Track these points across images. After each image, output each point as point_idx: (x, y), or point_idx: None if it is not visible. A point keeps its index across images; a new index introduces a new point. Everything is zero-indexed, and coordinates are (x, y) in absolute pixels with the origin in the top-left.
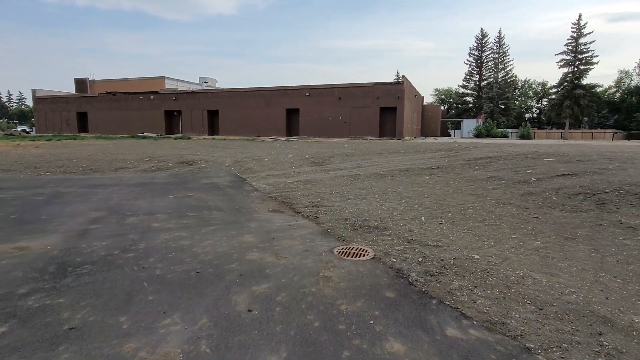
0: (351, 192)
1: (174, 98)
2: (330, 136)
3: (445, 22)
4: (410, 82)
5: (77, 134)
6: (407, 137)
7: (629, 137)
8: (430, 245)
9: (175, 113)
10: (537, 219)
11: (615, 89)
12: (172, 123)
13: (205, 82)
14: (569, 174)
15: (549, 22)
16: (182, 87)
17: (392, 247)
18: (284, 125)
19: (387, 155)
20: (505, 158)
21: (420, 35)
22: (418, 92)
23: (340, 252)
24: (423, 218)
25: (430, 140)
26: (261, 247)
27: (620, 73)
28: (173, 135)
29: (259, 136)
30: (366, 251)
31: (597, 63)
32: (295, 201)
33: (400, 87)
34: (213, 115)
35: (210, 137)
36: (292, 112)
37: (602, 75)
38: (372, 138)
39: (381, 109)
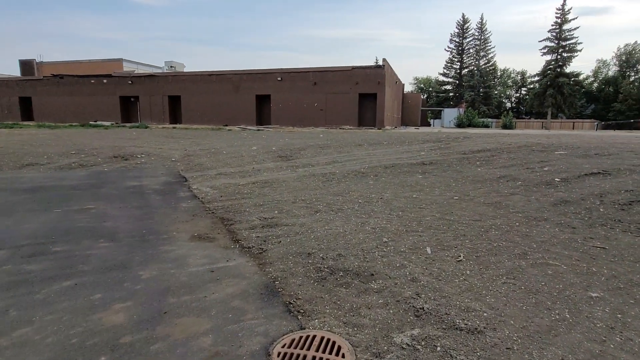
0: (322, 200)
1: (129, 82)
2: (305, 125)
3: (421, 13)
4: (391, 67)
5: (19, 122)
6: (388, 127)
7: (615, 128)
8: (461, 329)
9: (132, 99)
10: (604, 250)
11: (592, 79)
12: (129, 110)
13: (171, 66)
14: (599, 173)
15: (518, 16)
16: (141, 71)
17: (387, 332)
18: (253, 113)
19: (368, 148)
20: (508, 151)
21: (398, 25)
22: (399, 79)
23: (285, 355)
24: (429, 249)
25: (412, 129)
26: (127, 344)
27: (598, 63)
28: (129, 124)
29: (226, 125)
30: (338, 351)
31: (580, 51)
32: (240, 217)
33: (380, 71)
34: (175, 101)
35: (171, 126)
36: (263, 98)
37: (571, 67)
38: (351, 127)
39: (360, 95)
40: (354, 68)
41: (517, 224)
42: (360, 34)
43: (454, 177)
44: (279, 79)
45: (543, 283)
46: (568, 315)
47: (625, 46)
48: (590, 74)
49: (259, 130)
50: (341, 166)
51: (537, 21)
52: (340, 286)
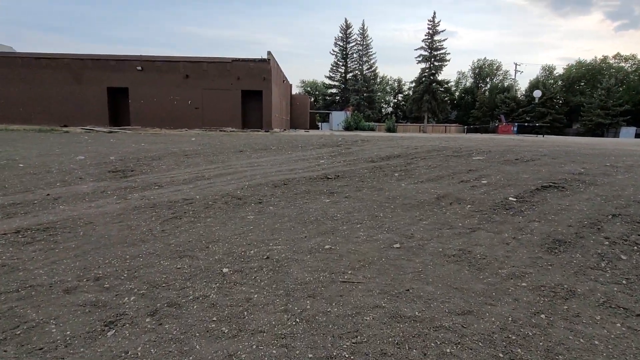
0: (143, 275)
1: None
2: (177, 126)
3: (300, 19)
4: (277, 64)
5: None
6: (276, 129)
7: (480, 131)
8: None
9: None
10: None
11: (455, 88)
12: None
13: None
14: (550, 186)
15: (387, 32)
16: None
17: None
18: (105, 110)
19: (252, 155)
20: (420, 157)
21: (277, 31)
22: (286, 78)
23: None
24: None
25: (302, 132)
26: None
27: (459, 74)
28: None
29: (65, 125)
30: None
31: (449, 61)
32: None
33: (265, 65)
34: None
35: None
36: (119, 92)
37: (441, 76)
38: (234, 129)
39: (244, 92)
40: (234, 60)
41: (543, 316)
42: (241, 35)
43: (377, 199)
44: (139, 68)
45: None
46: None
47: (477, 61)
48: (453, 83)
49: (110, 132)
50: (207, 186)
51: (402, 37)
52: None
